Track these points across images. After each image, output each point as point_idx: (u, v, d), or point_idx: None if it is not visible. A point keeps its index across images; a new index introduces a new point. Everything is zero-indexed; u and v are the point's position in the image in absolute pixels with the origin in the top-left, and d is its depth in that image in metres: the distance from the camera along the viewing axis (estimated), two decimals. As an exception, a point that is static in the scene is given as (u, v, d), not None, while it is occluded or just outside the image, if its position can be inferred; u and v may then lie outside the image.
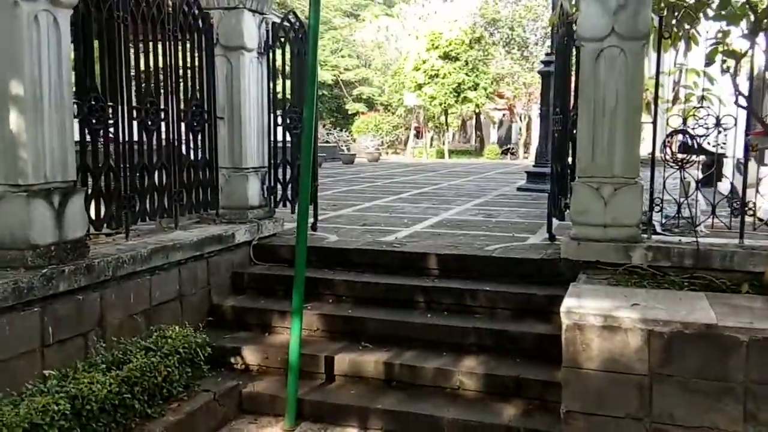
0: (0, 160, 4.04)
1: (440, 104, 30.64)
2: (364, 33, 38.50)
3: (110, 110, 4.96)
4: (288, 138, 6.86)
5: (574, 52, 5.64)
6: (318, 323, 5.41)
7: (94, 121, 4.78)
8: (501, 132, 40.25)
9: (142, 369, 3.94)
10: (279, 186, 6.84)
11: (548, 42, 30.42)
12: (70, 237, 4.29)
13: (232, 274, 6.01)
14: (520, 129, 35.24)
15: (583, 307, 4.09)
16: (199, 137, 6.08)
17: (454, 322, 5.21)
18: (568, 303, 4.18)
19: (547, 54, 12.77)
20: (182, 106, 5.88)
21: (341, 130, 30.75)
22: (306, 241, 4.57)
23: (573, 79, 5.75)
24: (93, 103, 4.77)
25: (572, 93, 5.80)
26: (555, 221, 6.49)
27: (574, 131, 5.65)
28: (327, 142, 27.12)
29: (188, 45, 5.90)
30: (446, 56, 30.23)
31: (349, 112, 37.30)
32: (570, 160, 5.86)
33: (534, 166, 12.89)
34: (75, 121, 4.59)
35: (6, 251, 4.04)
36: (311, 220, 7.09)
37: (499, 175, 19.10)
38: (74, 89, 4.69)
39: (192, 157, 6.01)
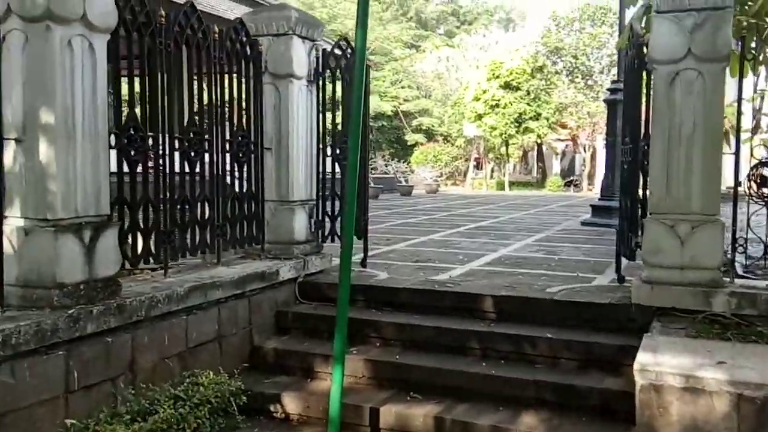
0: (29, 192, 3.84)
1: (501, 135, 30.16)
2: (424, 64, 38.45)
3: (150, 140, 4.75)
4: (338, 169, 6.57)
5: (645, 77, 5.19)
6: (363, 369, 5.02)
7: (132, 152, 4.58)
8: (564, 163, 39.35)
9: (169, 421, 3.64)
10: (328, 220, 6.53)
11: (614, 70, 29.68)
12: (101, 275, 4.06)
13: (276, 314, 5.70)
14: (584, 160, 34.32)
15: (660, 364, 3.59)
16: (245, 168, 5.85)
17: (511, 373, 4.74)
18: (642, 359, 3.69)
19: (613, 81, 12.22)
20: (227, 136, 5.66)
21: (399, 161, 30.52)
22: (349, 281, 4.22)
23: (644, 105, 5.28)
24: (132, 132, 4.57)
25: (643, 121, 5.33)
26: (624, 261, 5.96)
27: (646, 162, 5.17)
28: (385, 173, 26.95)
29: (235, 73, 5.71)
30: (507, 86, 29.81)
31: (408, 143, 37.15)
32: (641, 194, 5.36)
33: (599, 199, 12.28)
34: (113, 152, 4.41)
35: (32, 290, 3.82)
36: (360, 255, 6.77)
37: (561, 208, 18.44)
38: (112, 118, 4.52)
39: (237, 189, 5.77)
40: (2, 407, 3.40)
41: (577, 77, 31.71)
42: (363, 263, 6.71)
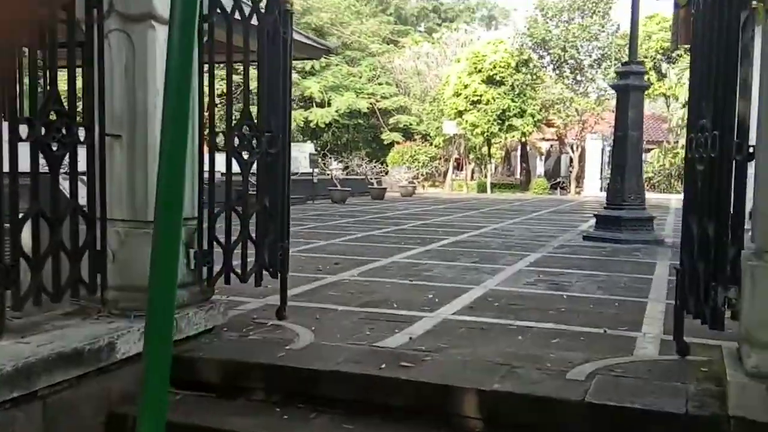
0: None
1: (482, 133, 27.91)
2: (403, 60, 36.10)
3: None
4: (237, 168, 4.21)
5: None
6: None
7: None
8: (548, 164, 37.22)
9: None
10: (219, 249, 4.18)
11: (605, 64, 27.53)
12: None
13: (108, 419, 3.34)
14: (571, 161, 32.16)
15: None
16: (66, 167, 3.49)
17: None
18: None
19: (624, 63, 9.99)
20: (27, 114, 3.31)
21: (374, 162, 28.02)
22: (165, 398, 1.86)
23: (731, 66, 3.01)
24: None
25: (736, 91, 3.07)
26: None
27: (734, 160, 2.93)
28: (356, 174, 24.54)
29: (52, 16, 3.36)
30: (490, 80, 27.56)
31: (385, 143, 34.80)
32: (734, 214, 3.10)
33: (606, 207, 10.02)
34: None
35: None
36: (277, 300, 4.46)
37: (552, 215, 16.20)
38: None
39: (45, 201, 3.41)
40: None
41: (565, 71, 29.52)
42: (279, 314, 4.41)
